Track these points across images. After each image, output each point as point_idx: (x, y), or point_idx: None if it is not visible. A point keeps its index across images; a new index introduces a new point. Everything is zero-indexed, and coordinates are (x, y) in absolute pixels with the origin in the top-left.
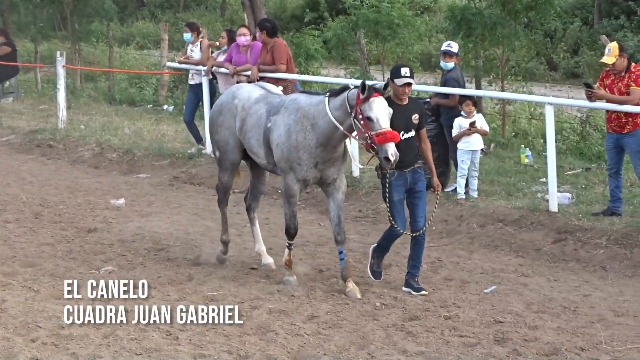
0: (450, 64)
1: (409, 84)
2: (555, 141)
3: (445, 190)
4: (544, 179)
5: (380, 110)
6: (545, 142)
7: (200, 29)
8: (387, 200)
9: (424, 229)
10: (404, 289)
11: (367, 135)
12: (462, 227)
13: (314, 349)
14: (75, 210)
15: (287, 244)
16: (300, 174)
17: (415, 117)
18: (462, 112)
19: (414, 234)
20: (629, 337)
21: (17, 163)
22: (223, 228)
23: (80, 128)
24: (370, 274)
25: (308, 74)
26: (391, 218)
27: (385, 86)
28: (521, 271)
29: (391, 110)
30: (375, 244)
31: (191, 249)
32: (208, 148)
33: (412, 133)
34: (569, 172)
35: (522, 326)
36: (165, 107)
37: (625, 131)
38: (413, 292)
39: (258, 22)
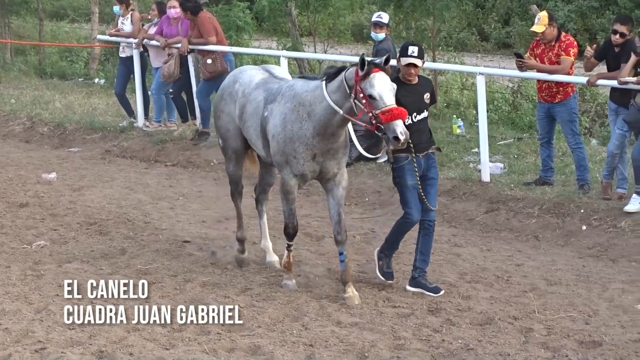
0: (381, 35)
1: (415, 65)
2: (487, 111)
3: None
4: (476, 149)
5: (382, 86)
6: (477, 112)
7: (131, 1)
8: (400, 185)
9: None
10: (411, 288)
11: (371, 115)
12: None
13: (248, 321)
14: (6, 185)
15: (286, 245)
16: (296, 168)
17: (426, 97)
18: None
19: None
20: (561, 306)
21: None
22: (238, 224)
23: (10, 102)
24: (381, 276)
25: (239, 46)
26: (404, 205)
27: (386, 61)
28: (454, 241)
29: (394, 86)
30: (379, 247)
31: (124, 223)
32: (140, 121)
33: (425, 114)
34: (501, 142)
35: (455, 296)
36: (96, 80)
37: (557, 100)
38: (428, 293)
39: (180, 2)
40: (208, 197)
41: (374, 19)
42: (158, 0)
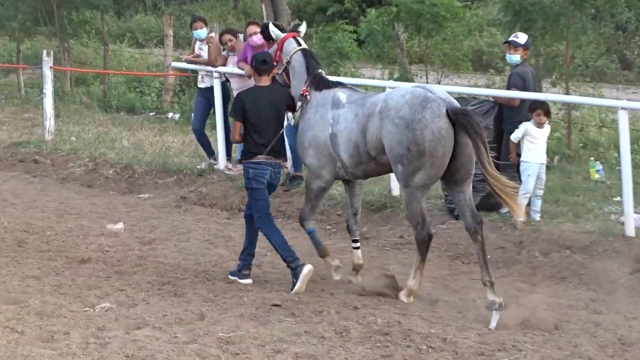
0: (516, 57)
1: None
2: (631, 152)
3: (502, 211)
4: (618, 198)
5: None
6: (619, 154)
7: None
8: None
9: None
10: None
11: None
12: (522, 255)
13: None
14: (65, 237)
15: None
16: None
17: None
18: (532, 122)
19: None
20: None
21: None
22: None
23: (70, 140)
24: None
25: (339, 74)
26: None
27: None
28: (593, 307)
29: None
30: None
31: (202, 283)
32: (221, 163)
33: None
34: None
35: None
36: (170, 114)
37: None
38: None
39: (261, 30)
40: (301, 253)
41: (510, 38)
42: (227, 29)
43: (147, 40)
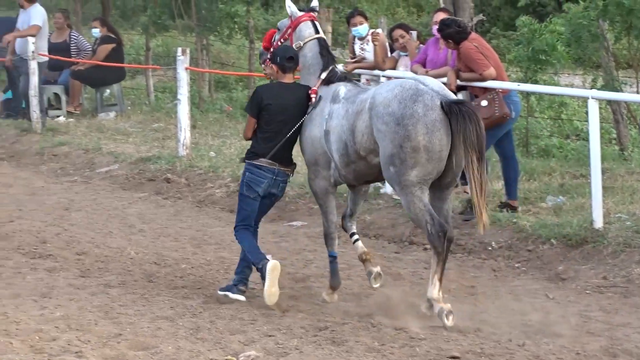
0: None
1: None
2: None
3: None
4: None
5: None
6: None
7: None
8: None
9: None
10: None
11: None
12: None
13: None
14: (203, 271)
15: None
16: None
17: None
18: None
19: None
20: None
21: (122, 204)
22: None
23: (209, 156)
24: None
25: (536, 81)
26: None
27: None
28: None
29: None
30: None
31: (366, 329)
32: (388, 187)
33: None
34: None
35: None
36: None
37: None
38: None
39: (439, 28)
40: (484, 295)
41: None
42: (398, 24)
43: None
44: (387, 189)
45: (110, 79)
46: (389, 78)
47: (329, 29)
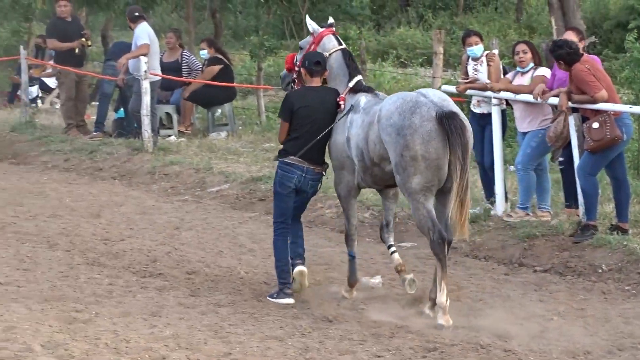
0: None
1: None
2: None
3: None
4: None
5: None
6: None
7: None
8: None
9: None
10: None
11: None
12: None
13: None
14: (312, 291)
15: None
16: None
17: None
18: None
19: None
20: None
21: (232, 223)
22: None
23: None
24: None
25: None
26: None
27: None
28: None
29: None
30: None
31: (474, 350)
32: (499, 207)
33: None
34: None
35: None
36: None
37: None
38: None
39: (550, 48)
40: (594, 317)
41: None
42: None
43: (411, 59)
44: (498, 210)
45: (221, 99)
46: (500, 100)
47: (441, 50)
